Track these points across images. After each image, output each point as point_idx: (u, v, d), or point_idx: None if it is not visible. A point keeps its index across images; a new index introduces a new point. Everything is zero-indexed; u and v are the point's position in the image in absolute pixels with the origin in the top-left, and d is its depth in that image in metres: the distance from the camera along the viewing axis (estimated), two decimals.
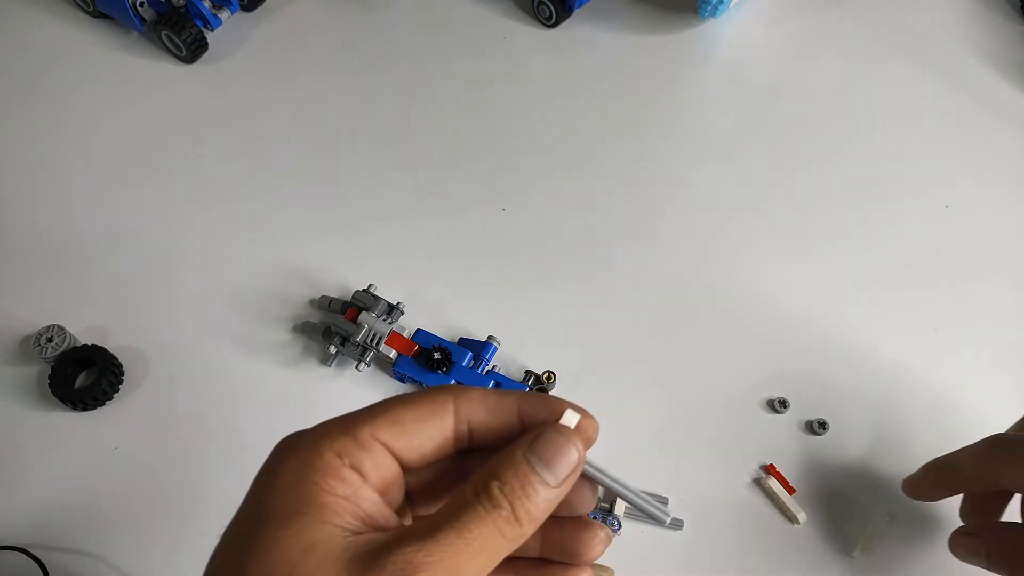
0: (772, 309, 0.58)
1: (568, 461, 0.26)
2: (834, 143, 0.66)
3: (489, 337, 0.55)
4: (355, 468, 0.26)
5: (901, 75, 0.70)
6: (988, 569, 0.42)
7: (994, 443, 0.42)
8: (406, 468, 0.28)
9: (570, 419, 0.27)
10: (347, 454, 0.26)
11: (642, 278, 0.59)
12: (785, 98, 0.68)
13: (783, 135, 0.66)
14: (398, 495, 0.28)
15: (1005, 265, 0.61)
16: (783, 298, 0.59)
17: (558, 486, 0.26)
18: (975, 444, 0.44)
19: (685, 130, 0.67)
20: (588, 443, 0.28)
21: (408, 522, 0.30)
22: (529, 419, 0.28)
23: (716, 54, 0.71)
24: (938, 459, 0.47)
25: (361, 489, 0.26)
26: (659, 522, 0.29)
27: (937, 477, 0.46)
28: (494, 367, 0.55)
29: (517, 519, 0.25)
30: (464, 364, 0.54)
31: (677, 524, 0.51)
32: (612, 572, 0.47)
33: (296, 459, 0.26)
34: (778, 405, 0.54)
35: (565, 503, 0.27)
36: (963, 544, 0.44)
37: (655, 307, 0.58)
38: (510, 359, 0.56)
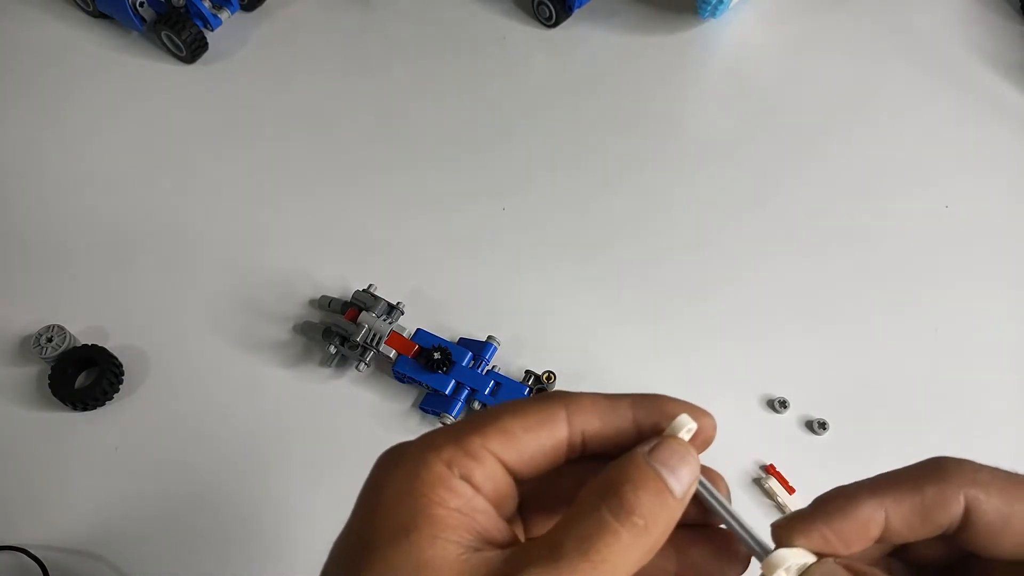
0: (772, 308, 0.58)
1: (691, 469, 0.24)
2: (834, 143, 0.66)
3: (489, 337, 0.55)
4: (466, 479, 0.24)
5: (901, 75, 0.70)
6: None
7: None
8: (517, 480, 0.26)
9: (685, 423, 0.26)
10: (457, 464, 0.24)
11: (642, 278, 0.59)
12: (785, 98, 0.68)
13: (782, 135, 0.66)
14: (511, 507, 0.26)
15: (1005, 264, 0.61)
16: (782, 297, 0.59)
17: (682, 496, 0.24)
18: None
19: (685, 129, 0.67)
20: (707, 442, 0.26)
21: (520, 534, 0.27)
22: (644, 425, 0.26)
23: (716, 54, 0.71)
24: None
25: (474, 500, 0.24)
26: (757, 557, 0.25)
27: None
28: (494, 367, 0.55)
29: (647, 529, 0.23)
30: (464, 364, 0.54)
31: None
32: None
33: (402, 471, 0.24)
34: (778, 405, 0.54)
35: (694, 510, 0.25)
36: None
37: (655, 306, 0.58)
38: (510, 359, 0.56)
